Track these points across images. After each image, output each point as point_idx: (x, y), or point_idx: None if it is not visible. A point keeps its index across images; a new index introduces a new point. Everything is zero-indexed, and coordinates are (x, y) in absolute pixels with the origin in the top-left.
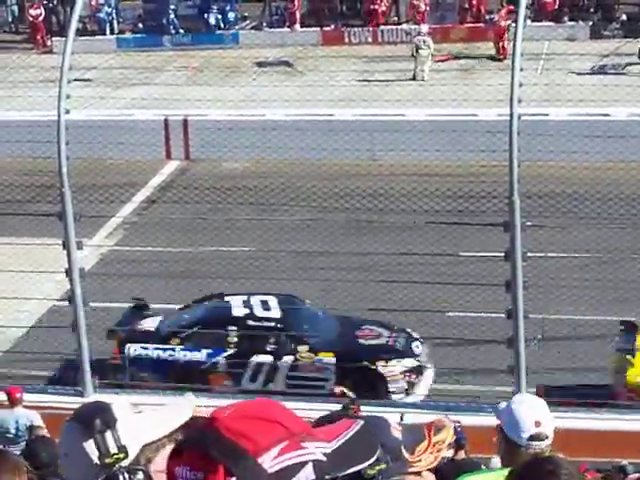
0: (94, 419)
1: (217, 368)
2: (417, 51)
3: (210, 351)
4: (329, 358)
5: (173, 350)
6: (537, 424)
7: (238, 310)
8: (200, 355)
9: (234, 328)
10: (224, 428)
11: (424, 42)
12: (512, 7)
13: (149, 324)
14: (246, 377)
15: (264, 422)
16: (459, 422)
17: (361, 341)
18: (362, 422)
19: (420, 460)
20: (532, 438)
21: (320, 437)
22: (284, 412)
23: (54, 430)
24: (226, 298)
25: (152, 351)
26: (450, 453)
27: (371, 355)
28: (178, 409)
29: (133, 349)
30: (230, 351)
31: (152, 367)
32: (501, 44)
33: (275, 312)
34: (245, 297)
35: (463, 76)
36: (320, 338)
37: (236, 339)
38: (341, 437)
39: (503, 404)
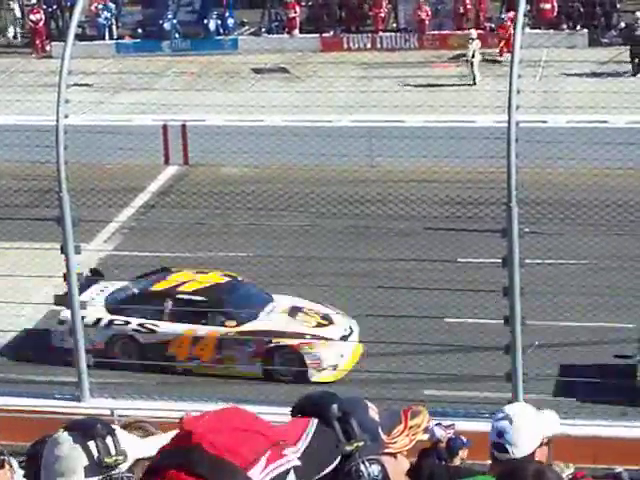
0: (94, 425)
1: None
2: (473, 56)
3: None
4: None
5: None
6: (499, 435)
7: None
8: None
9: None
10: (207, 444)
11: (478, 46)
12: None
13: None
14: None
15: (245, 433)
16: (453, 424)
17: None
18: (316, 420)
19: (396, 442)
20: (493, 446)
21: (288, 441)
22: (257, 420)
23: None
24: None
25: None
26: (426, 437)
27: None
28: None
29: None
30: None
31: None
32: (505, 42)
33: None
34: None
35: (460, 82)
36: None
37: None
38: (303, 438)
39: (501, 413)
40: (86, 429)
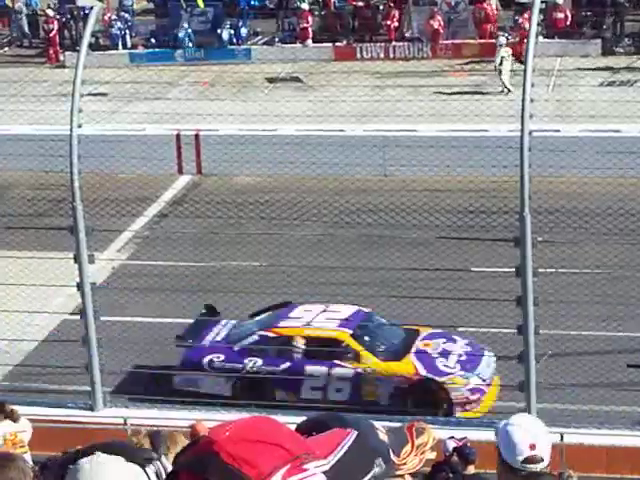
0: (142, 450)
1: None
2: (501, 63)
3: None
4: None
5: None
6: (532, 447)
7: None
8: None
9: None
10: (224, 453)
11: (507, 53)
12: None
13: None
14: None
15: (265, 445)
16: (466, 437)
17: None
18: (356, 433)
19: (405, 463)
20: (526, 461)
21: (317, 454)
22: (283, 432)
23: (64, 444)
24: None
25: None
26: (433, 455)
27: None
28: None
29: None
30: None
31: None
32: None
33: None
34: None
35: (474, 91)
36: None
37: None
38: (337, 451)
39: (503, 422)
40: (136, 455)
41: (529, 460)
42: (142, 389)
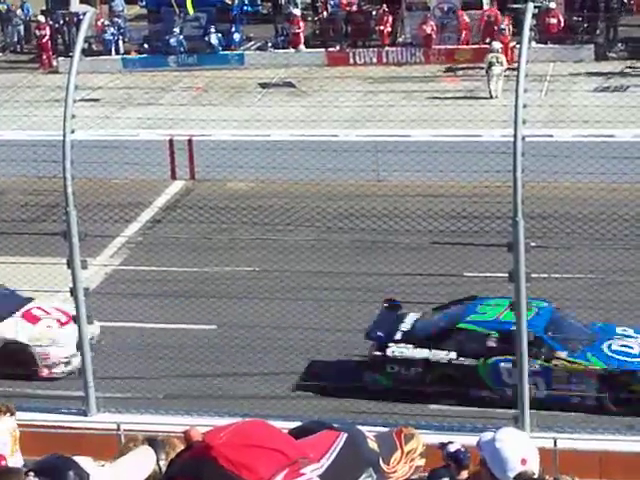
0: (67, 472)
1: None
2: (490, 68)
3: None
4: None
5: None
6: (523, 462)
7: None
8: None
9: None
10: (222, 458)
11: (497, 59)
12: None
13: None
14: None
15: (263, 450)
16: (456, 442)
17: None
18: (346, 435)
19: (396, 471)
20: (518, 477)
21: (311, 457)
22: (279, 436)
23: (57, 449)
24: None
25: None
26: (422, 462)
27: None
28: (140, 463)
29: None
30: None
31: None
32: (509, 52)
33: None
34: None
35: (467, 96)
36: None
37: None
38: (329, 453)
39: (487, 435)
40: (59, 478)
41: (521, 476)
42: (136, 394)
